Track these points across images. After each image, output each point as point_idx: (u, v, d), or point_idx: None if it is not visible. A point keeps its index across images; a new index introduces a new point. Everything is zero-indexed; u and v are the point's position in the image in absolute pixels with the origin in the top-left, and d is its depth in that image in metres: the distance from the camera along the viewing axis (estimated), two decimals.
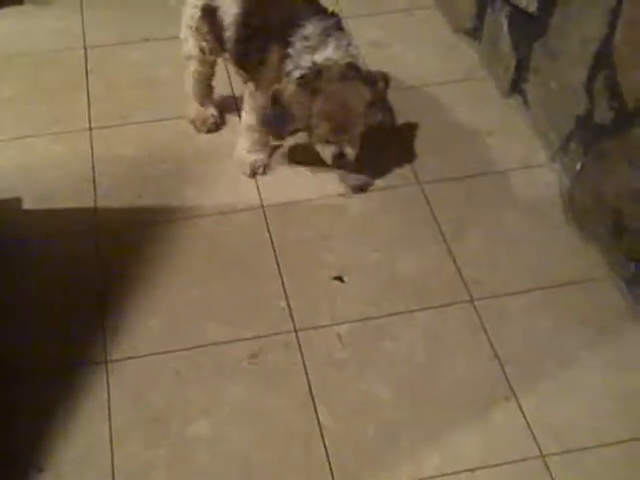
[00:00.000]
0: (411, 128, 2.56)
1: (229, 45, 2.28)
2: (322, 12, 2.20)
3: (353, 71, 2.13)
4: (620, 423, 1.86)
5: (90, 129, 2.56)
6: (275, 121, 2.18)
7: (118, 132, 2.56)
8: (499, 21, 2.62)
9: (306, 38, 2.11)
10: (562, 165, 2.40)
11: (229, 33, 2.25)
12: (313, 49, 2.11)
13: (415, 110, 2.63)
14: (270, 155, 2.46)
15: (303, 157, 2.44)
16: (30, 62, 2.81)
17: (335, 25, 2.17)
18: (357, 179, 2.38)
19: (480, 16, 2.77)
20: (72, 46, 2.86)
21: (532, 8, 2.40)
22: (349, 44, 2.17)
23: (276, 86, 2.13)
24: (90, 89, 2.69)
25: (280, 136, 2.32)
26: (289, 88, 2.11)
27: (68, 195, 2.37)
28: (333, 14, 2.21)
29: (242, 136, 2.41)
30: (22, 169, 2.44)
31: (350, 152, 2.21)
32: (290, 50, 2.12)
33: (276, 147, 2.48)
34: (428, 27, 2.96)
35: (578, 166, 2.29)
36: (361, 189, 2.38)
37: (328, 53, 2.11)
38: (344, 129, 2.16)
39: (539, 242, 2.24)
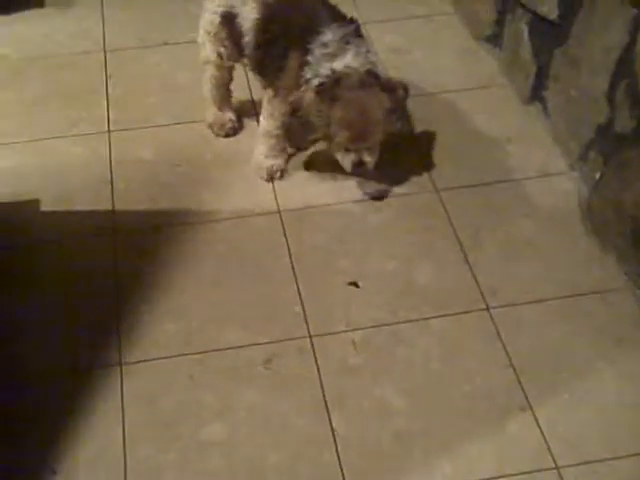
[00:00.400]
0: (430, 135, 2.56)
1: (248, 51, 2.28)
2: (341, 18, 2.20)
3: (372, 78, 2.12)
4: (635, 435, 1.83)
5: (109, 132, 2.58)
6: (295, 130, 2.18)
7: (136, 135, 2.57)
8: (519, 28, 2.60)
9: (325, 45, 2.11)
10: (581, 174, 2.39)
11: (248, 39, 2.25)
12: (332, 56, 2.11)
13: (434, 117, 2.62)
14: (287, 161, 2.46)
15: (321, 163, 2.44)
16: (50, 65, 2.83)
17: (354, 32, 2.17)
18: (375, 187, 2.37)
19: (500, 23, 2.77)
20: (92, 49, 2.89)
21: (553, 15, 2.39)
22: (368, 51, 2.17)
23: (295, 95, 2.13)
24: (109, 92, 2.71)
25: (300, 145, 2.33)
26: (308, 96, 2.11)
27: (86, 197, 2.38)
28: (352, 20, 2.21)
29: (260, 141, 2.41)
30: (41, 171, 2.46)
31: (369, 160, 2.20)
32: (309, 57, 2.12)
33: (293, 153, 2.48)
34: (448, 33, 2.96)
35: (597, 175, 2.27)
36: (379, 197, 2.37)
37: (347, 60, 2.11)
38: (363, 137, 2.15)
39: (557, 251, 2.23)
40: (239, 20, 2.25)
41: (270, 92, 2.28)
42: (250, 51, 2.27)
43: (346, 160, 2.20)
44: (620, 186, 2.14)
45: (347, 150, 2.18)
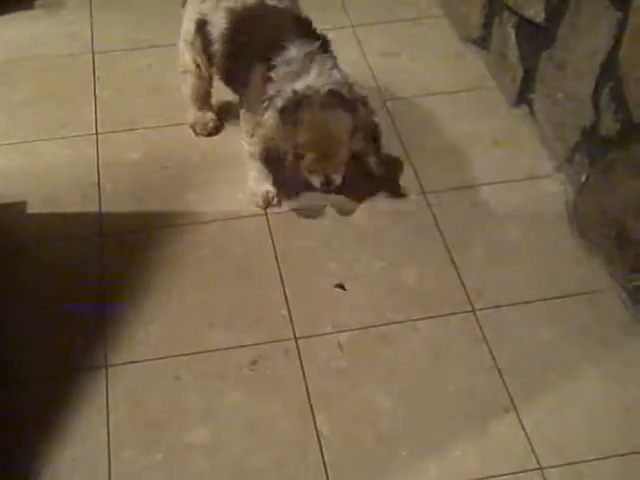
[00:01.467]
0: (417, 137, 2.56)
1: (216, 60, 2.27)
2: (308, 33, 2.16)
3: (334, 99, 2.09)
4: (620, 437, 1.84)
5: (97, 134, 2.57)
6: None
7: (124, 137, 2.57)
8: (507, 31, 2.61)
9: (288, 63, 2.09)
10: (567, 176, 2.40)
11: (216, 47, 2.24)
12: (295, 75, 2.09)
13: (421, 119, 2.63)
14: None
15: None
16: (39, 67, 2.82)
17: (320, 48, 2.14)
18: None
19: (488, 26, 2.77)
20: (80, 51, 2.88)
21: (539, 18, 2.40)
22: (333, 67, 2.14)
23: (262, 136, 2.16)
24: (97, 94, 2.71)
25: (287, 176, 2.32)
26: (269, 123, 2.11)
27: (73, 199, 2.38)
28: (319, 36, 2.17)
29: (248, 165, 2.37)
30: (28, 173, 2.46)
31: (336, 178, 2.18)
32: (272, 74, 2.10)
33: None
34: (436, 36, 2.96)
35: (583, 178, 2.28)
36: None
37: (310, 80, 2.08)
38: (328, 158, 2.14)
39: (543, 253, 2.23)
40: (209, 28, 2.24)
41: (243, 105, 2.27)
42: (218, 60, 2.26)
43: (314, 180, 2.19)
44: (605, 189, 2.15)
45: (314, 170, 2.17)
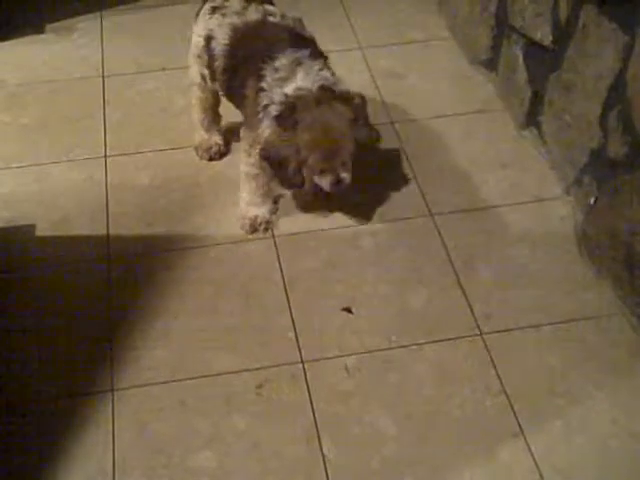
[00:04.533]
0: (425, 159, 2.56)
1: (217, 75, 2.29)
2: (300, 44, 2.15)
3: (327, 93, 2.08)
4: (629, 464, 1.82)
5: (105, 157, 2.59)
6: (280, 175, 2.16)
7: (133, 160, 2.58)
8: (514, 53, 2.61)
9: (276, 70, 2.09)
10: (576, 199, 2.39)
11: (217, 63, 2.25)
12: (284, 80, 2.08)
13: (429, 141, 2.63)
14: (275, 209, 2.41)
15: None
16: (49, 90, 2.85)
17: (309, 54, 2.13)
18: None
19: (496, 48, 2.78)
20: (90, 75, 2.91)
21: (547, 41, 2.40)
22: (321, 69, 2.12)
23: (258, 142, 2.13)
24: (107, 117, 2.73)
25: (288, 188, 2.30)
26: (267, 132, 2.09)
27: (82, 222, 2.39)
28: (309, 44, 2.17)
29: (241, 187, 2.36)
30: (37, 196, 2.47)
31: (345, 175, 2.14)
32: (263, 84, 2.10)
33: (280, 195, 2.45)
34: (444, 58, 2.97)
35: (592, 200, 2.27)
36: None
37: (298, 82, 2.08)
38: (334, 153, 2.11)
39: (551, 276, 2.22)
40: (213, 44, 2.26)
41: (244, 123, 2.26)
42: (219, 76, 2.27)
43: (324, 181, 2.15)
44: (614, 212, 2.14)
45: (322, 171, 2.13)
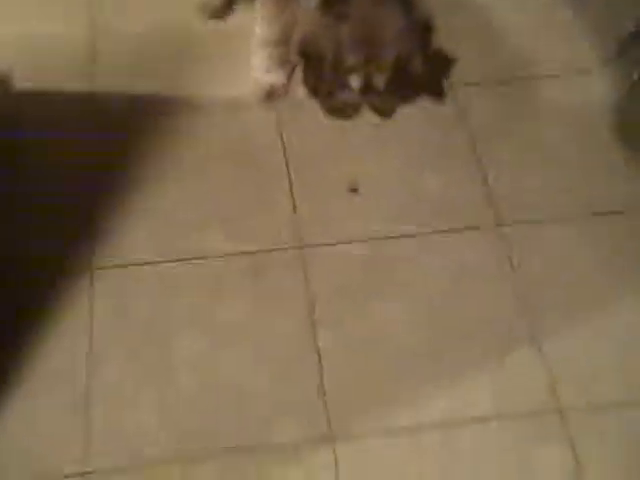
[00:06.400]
0: (447, 24, 2.26)
1: None
2: None
3: None
4: None
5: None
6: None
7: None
8: None
9: None
10: (615, 73, 2.16)
11: None
12: None
13: (451, 5, 2.33)
14: (292, 74, 2.16)
15: None
16: None
17: None
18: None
19: None
20: None
21: None
22: None
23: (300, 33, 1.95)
24: None
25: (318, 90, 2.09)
26: (307, 22, 1.93)
27: (66, 76, 2.15)
28: None
29: (256, 54, 2.12)
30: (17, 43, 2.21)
31: (379, 82, 1.99)
32: None
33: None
34: None
35: (635, 75, 2.05)
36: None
37: None
38: (372, 59, 1.95)
39: (580, 162, 2.01)
40: None
41: None
42: None
43: (354, 81, 1.99)
44: None
45: (355, 71, 1.97)
